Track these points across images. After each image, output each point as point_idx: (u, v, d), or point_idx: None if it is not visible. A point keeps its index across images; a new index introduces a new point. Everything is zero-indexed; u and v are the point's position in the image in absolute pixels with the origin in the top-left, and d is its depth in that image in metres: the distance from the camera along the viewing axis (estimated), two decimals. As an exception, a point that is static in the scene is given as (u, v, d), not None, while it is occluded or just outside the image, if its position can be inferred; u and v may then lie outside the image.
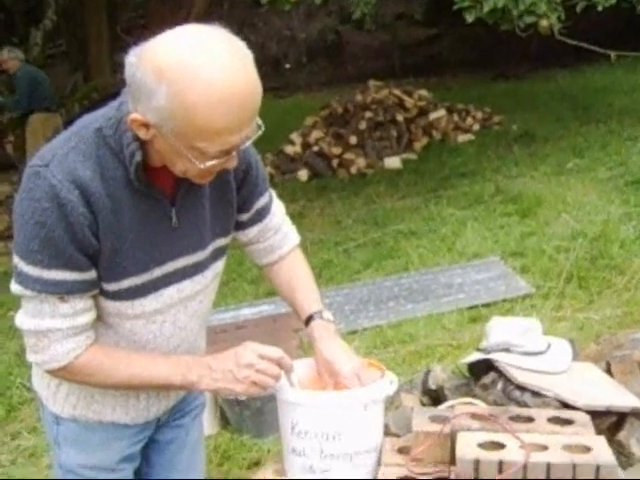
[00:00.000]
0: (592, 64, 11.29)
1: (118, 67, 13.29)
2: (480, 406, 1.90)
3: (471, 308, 4.72)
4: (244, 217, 1.82)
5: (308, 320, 1.83)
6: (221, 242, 1.75)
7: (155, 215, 1.58)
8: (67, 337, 1.55)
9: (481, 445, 1.57)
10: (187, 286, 1.68)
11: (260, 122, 1.47)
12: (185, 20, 6.05)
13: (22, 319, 1.57)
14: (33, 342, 1.57)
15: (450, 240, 5.94)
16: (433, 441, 1.67)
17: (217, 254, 1.75)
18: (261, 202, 1.82)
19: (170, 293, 1.65)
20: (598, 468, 1.49)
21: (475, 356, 2.18)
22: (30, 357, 1.61)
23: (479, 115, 9.74)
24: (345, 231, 6.73)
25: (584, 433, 1.65)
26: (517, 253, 5.46)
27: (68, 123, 1.69)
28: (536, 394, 1.94)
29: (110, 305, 1.60)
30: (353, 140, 8.85)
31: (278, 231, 1.90)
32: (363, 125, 8.96)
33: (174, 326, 1.71)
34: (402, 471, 1.64)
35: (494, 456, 1.53)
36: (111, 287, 1.57)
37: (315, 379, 1.79)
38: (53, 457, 1.87)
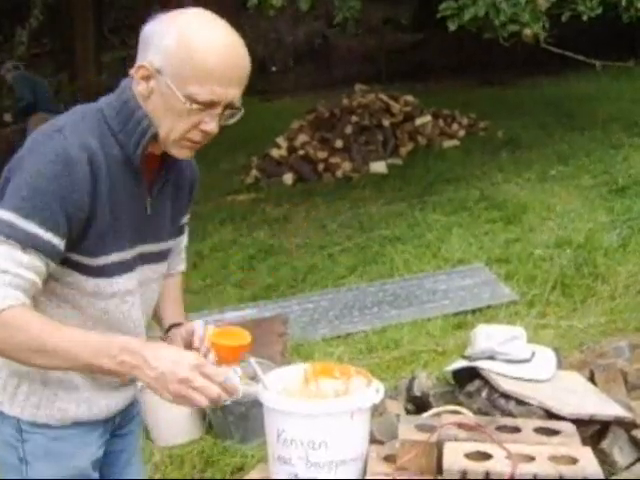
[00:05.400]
0: (577, 72, 11.33)
1: (104, 67, 13.27)
2: (467, 415, 1.90)
3: (456, 314, 4.73)
4: None
5: (172, 326, 1.89)
6: (171, 244, 1.84)
7: (136, 200, 1.68)
8: (8, 285, 1.49)
9: (468, 455, 1.57)
10: (146, 272, 1.74)
11: (241, 108, 1.60)
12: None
13: None
14: None
15: (435, 246, 5.94)
16: (419, 450, 1.67)
17: (166, 254, 1.82)
18: (185, 219, 1.93)
19: (137, 276, 1.70)
20: None
21: (460, 363, 2.18)
22: None
23: (465, 121, 9.75)
24: (330, 235, 6.72)
25: (570, 444, 1.66)
26: (502, 260, 5.47)
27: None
28: (520, 402, 1.94)
29: (91, 283, 1.62)
30: (339, 144, 8.84)
31: (180, 253, 2.01)
32: (349, 129, 8.95)
33: (126, 314, 1.72)
34: (388, 480, 1.63)
35: (481, 466, 1.53)
36: (100, 261, 1.61)
37: (301, 387, 1.78)
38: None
